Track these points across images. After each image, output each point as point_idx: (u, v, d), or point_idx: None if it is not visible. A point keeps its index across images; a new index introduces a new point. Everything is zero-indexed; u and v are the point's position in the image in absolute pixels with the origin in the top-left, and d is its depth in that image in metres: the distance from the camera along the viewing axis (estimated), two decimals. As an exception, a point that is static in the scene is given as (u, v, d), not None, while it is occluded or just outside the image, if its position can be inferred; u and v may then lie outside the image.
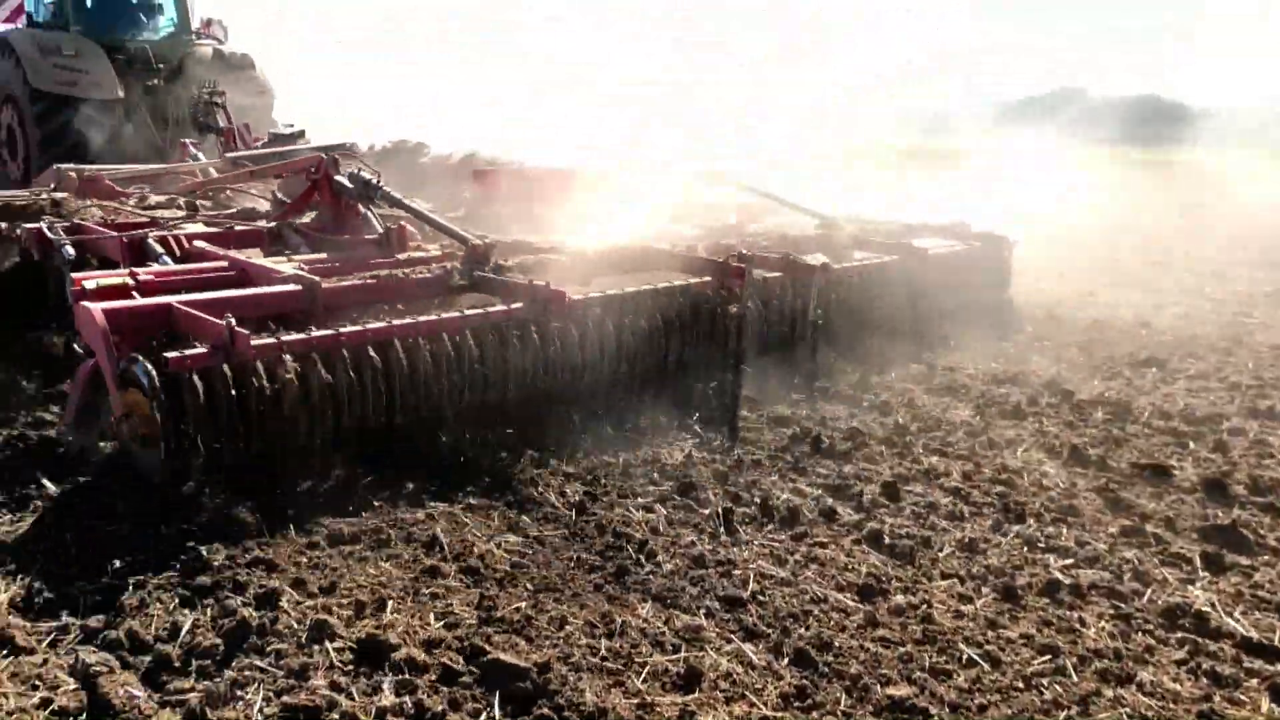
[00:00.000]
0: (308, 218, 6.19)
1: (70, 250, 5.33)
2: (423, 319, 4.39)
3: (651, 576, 3.44)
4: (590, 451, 4.59)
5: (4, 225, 5.99)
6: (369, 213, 5.89)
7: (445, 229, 5.53)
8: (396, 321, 4.30)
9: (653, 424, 4.98)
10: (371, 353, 4.14)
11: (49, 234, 5.53)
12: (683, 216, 7.87)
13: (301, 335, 3.99)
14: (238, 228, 6.11)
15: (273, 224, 6.09)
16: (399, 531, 3.65)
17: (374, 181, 5.68)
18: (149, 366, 3.66)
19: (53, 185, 7.77)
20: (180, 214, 6.70)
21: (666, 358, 5.31)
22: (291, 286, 4.51)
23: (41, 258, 5.58)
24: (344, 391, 4.01)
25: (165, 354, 3.66)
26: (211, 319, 3.84)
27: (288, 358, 3.89)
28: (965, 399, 5.86)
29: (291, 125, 10.58)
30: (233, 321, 3.72)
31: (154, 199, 7.48)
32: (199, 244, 5.54)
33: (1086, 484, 4.57)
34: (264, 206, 6.88)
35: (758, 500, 4.14)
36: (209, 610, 3.04)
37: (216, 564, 3.28)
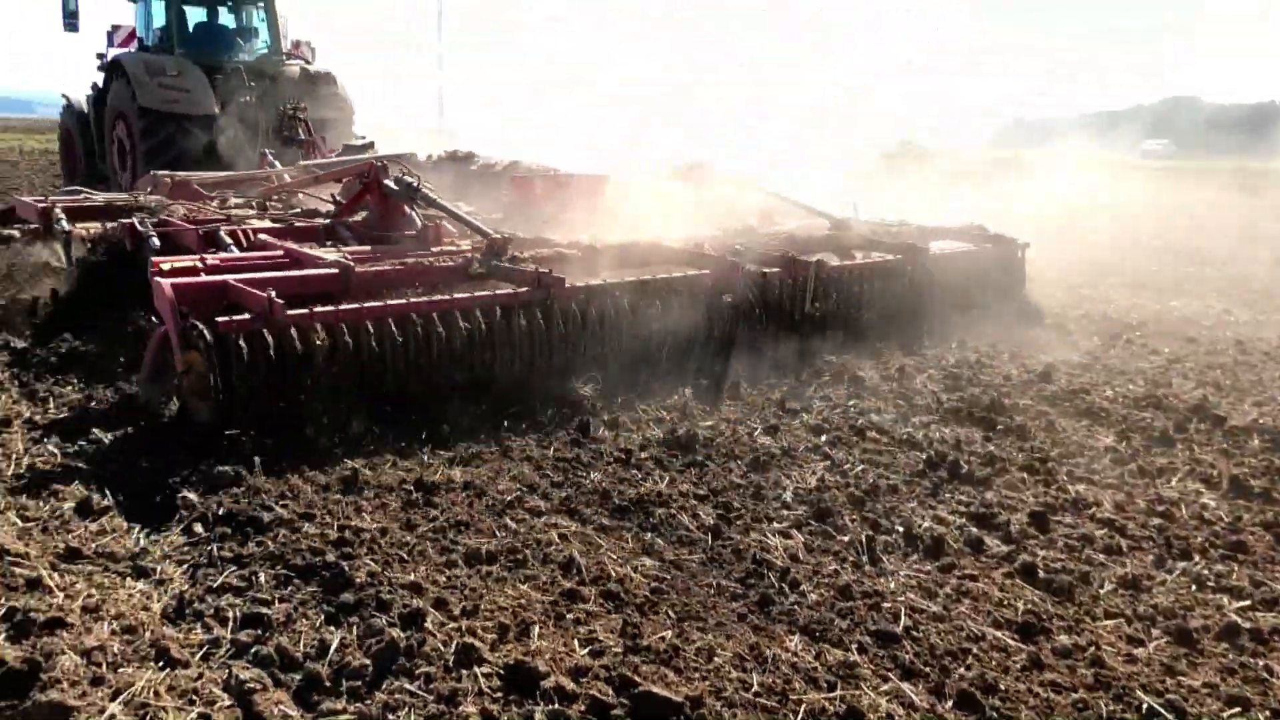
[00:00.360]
0: (361, 216, 6.97)
1: (156, 241, 6.13)
2: (436, 298, 5.07)
3: (797, 607, 3.31)
4: (717, 473, 4.48)
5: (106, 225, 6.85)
6: (412, 212, 6.64)
7: (471, 225, 6.19)
8: (414, 299, 4.95)
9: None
10: (391, 325, 4.75)
11: (139, 227, 6.32)
12: (705, 219, 8.23)
13: (330, 308, 4.68)
14: (298, 224, 7.05)
15: (329, 221, 6.96)
16: (534, 552, 3.59)
17: (415, 185, 6.41)
18: (204, 329, 4.38)
19: (149, 189, 8.66)
20: (251, 213, 7.56)
21: (666, 342, 5.82)
22: (329, 270, 5.21)
23: (133, 248, 6.27)
24: (366, 356, 4.66)
25: (216, 319, 4.37)
26: (256, 292, 4.53)
27: (318, 325, 4.57)
28: (1107, 423, 5.57)
29: (364, 137, 11.47)
30: (272, 294, 4.44)
31: (233, 200, 8.34)
32: (262, 236, 6.42)
33: (1252, 518, 4.27)
34: (327, 208, 7.62)
35: (899, 528, 3.97)
36: (355, 629, 3.02)
37: (359, 581, 3.27)
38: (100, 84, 13.98)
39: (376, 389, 4.74)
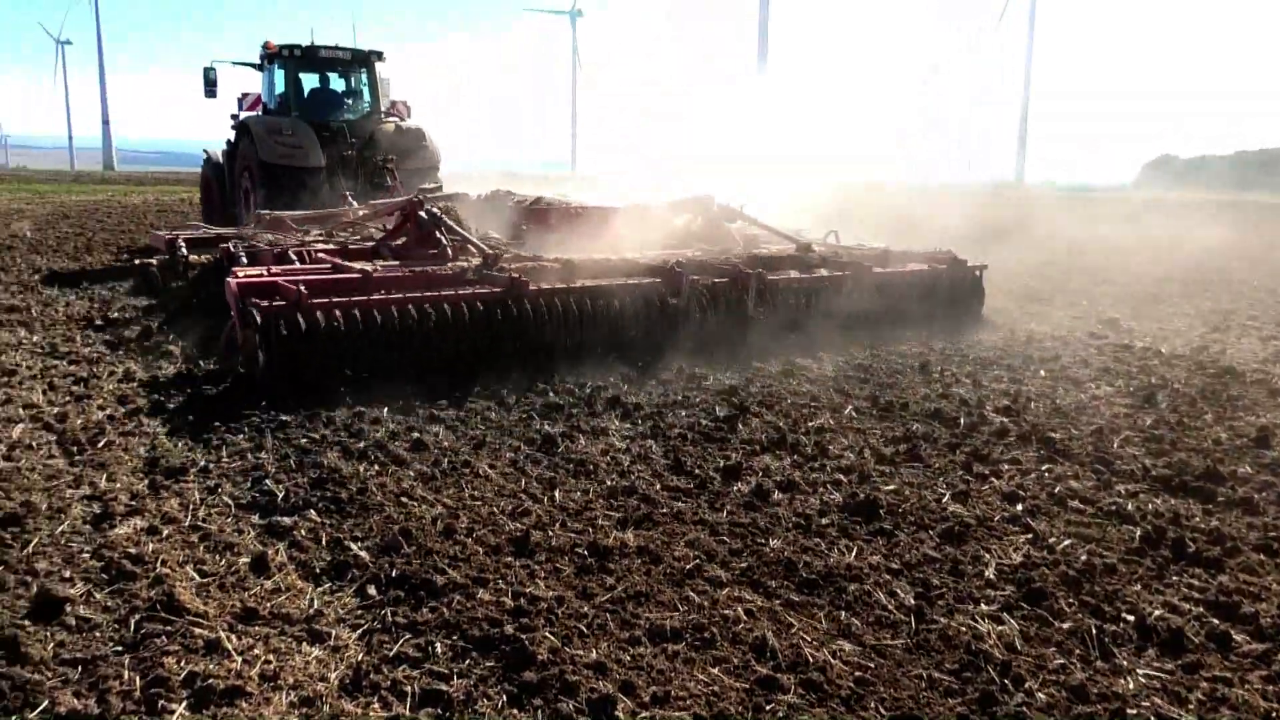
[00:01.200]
0: (401, 241, 8.80)
1: (244, 258, 8.39)
2: (427, 293, 6.86)
3: (1025, 710, 2.91)
4: (910, 544, 4.11)
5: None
6: (440, 236, 8.43)
7: (474, 243, 8.32)
8: (410, 294, 6.78)
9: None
10: (394, 311, 6.53)
11: (230, 249, 8.65)
12: (692, 240, 10.04)
13: (343, 299, 6.48)
14: (352, 246, 8.98)
15: (375, 244, 8.93)
16: (722, 630, 3.31)
17: (439, 216, 8.54)
18: (254, 310, 6.18)
19: (252, 224, 11.36)
20: (320, 240, 9.48)
21: (626, 334, 7.49)
22: (353, 274, 7.10)
23: (227, 265, 8.23)
24: (375, 335, 6.41)
25: (261, 302, 6.25)
26: (291, 285, 6.39)
27: (337, 311, 6.36)
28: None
29: (437, 183, 13.37)
30: (302, 287, 6.32)
31: (314, 232, 10.33)
32: (320, 254, 8.34)
33: None
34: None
35: (1127, 616, 3.51)
36: (540, 713, 2.79)
37: (541, 658, 3.05)
38: (232, 141, 16.40)
39: (378, 360, 6.44)
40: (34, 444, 5.21)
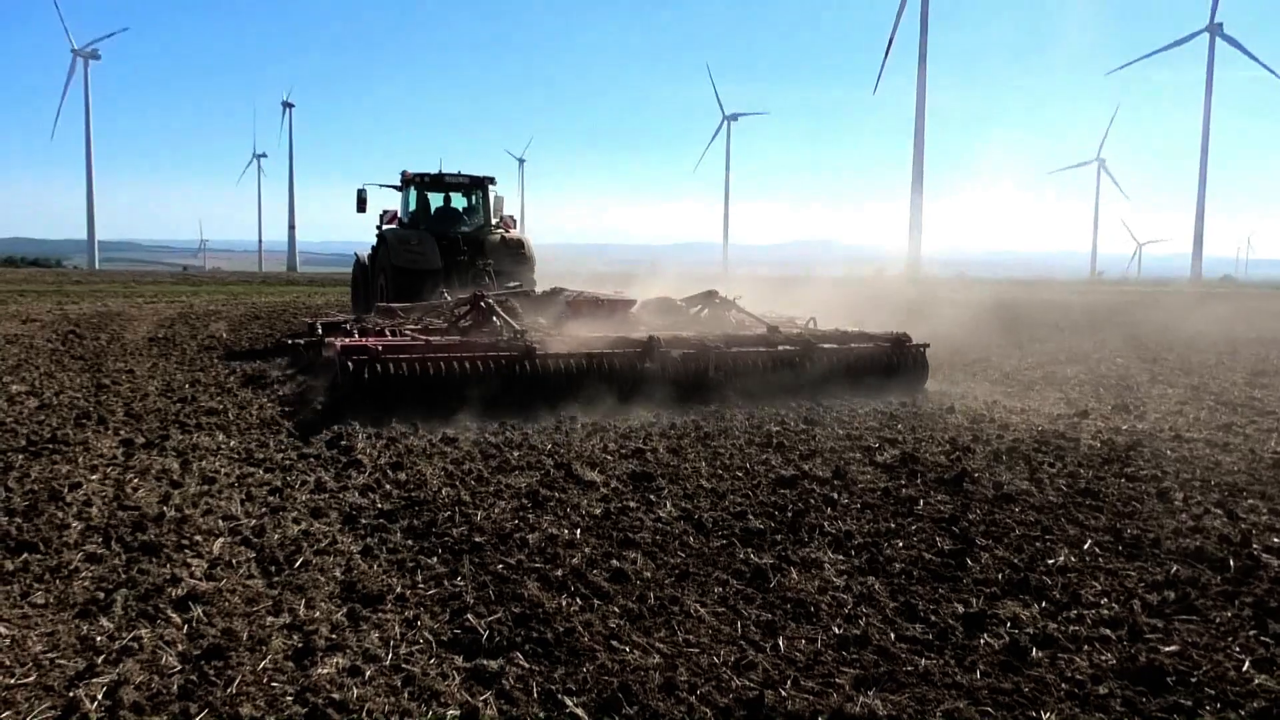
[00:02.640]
0: (469, 322, 12.10)
1: (355, 333, 11.89)
2: (461, 354, 9.72)
3: None
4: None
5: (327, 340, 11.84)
6: (495, 319, 11.55)
7: (509, 323, 11.17)
8: (450, 354, 9.68)
9: None
10: (440, 363, 9.47)
11: (344, 327, 12.99)
12: (698, 324, 12.73)
13: (408, 356, 9.52)
14: (432, 326, 12.26)
15: (447, 324, 12.29)
16: None
17: (493, 305, 11.88)
18: (347, 361, 9.23)
19: (373, 313, 14.66)
20: (411, 323, 12.82)
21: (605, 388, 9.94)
22: (417, 340, 10.43)
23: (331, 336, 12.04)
24: (425, 379, 9.31)
25: (351, 358, 9.31)
26: (371, 345, 9.55)
27: (404, 357, 9.47)
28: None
29: (518, 284, 16.37)
30: (379, 347, 9.53)
31: (414, 316, 13.60)
32: (406, 330, 11.72)
33: None
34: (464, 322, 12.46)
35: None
36: None
37: None
38: (375, 248, 19.80)
39: (430, 397, 9.25)
40: (233, 561, 5.11)
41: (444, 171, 19.64)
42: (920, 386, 11.51)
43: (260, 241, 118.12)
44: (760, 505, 6.30)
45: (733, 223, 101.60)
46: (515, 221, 20.24)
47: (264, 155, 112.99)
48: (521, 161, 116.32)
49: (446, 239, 18.60)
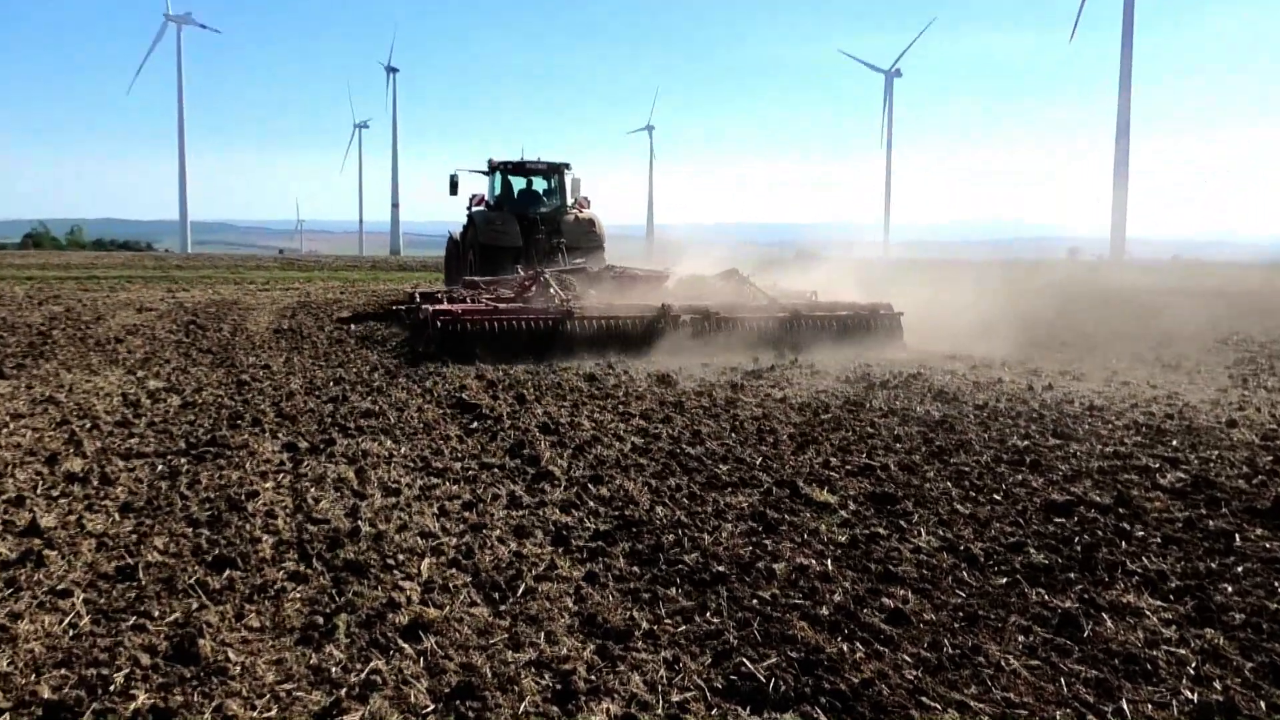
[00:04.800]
0: (533, 292, 17.08)
1: (444, 301, 16.72)
2: (515, 317, 14.74)
3: None
4: None
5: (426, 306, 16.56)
6: (552, 291, 16.19)
7: (558, 293, 16.08)
8: (514, 316, 14.79)
9: None
10: (506, 323, 14.56)
11: (436, 296, 18.66)
12: (721, 295, 17.29)
13: (481, 318, 14.61)
14: (503, 295, 17.21)
15: (515, 295, 17.20)
16: None
17: (548, 279, 16.88)
18: (437, 321, 14.35)
19: (460, 284, 19.56)
20: (489, 293, 17.55)
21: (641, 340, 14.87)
22: (490, 306, 15.87)
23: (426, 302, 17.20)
24: (495, 335, 14.41)
25: (440, 318, 14.43)
26: (455, 310, 14.78)
27: (476, 320, 14.55)
28: None
29: (583, 262, 20.11)
30: (460, 310, 14.83)
31: (494, 288, 18.10)
32: (484, 299, 16.70)
33: None
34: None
35: None
36: None
37: None
38: (464, 226, 24.27)
39: (499, 347, 14.05)
40: (449, 585, 5.20)
41: (525, 159, 24.31)
42: (893, 346, 15.75)
43: (361, 221, 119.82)
44: (1037, 536, 6.06)
45: (894, 198, 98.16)
46: (589, 202, 24.58)
47: (365, 125, 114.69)
48: (650, 129, 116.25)
49: (527, 219, 22.98)
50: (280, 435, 8.75)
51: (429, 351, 14.25)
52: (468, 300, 16.74)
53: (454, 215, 26.28)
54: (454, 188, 24.50)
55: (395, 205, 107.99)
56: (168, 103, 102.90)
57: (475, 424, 9.29)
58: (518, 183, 24.77)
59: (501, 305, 15.78)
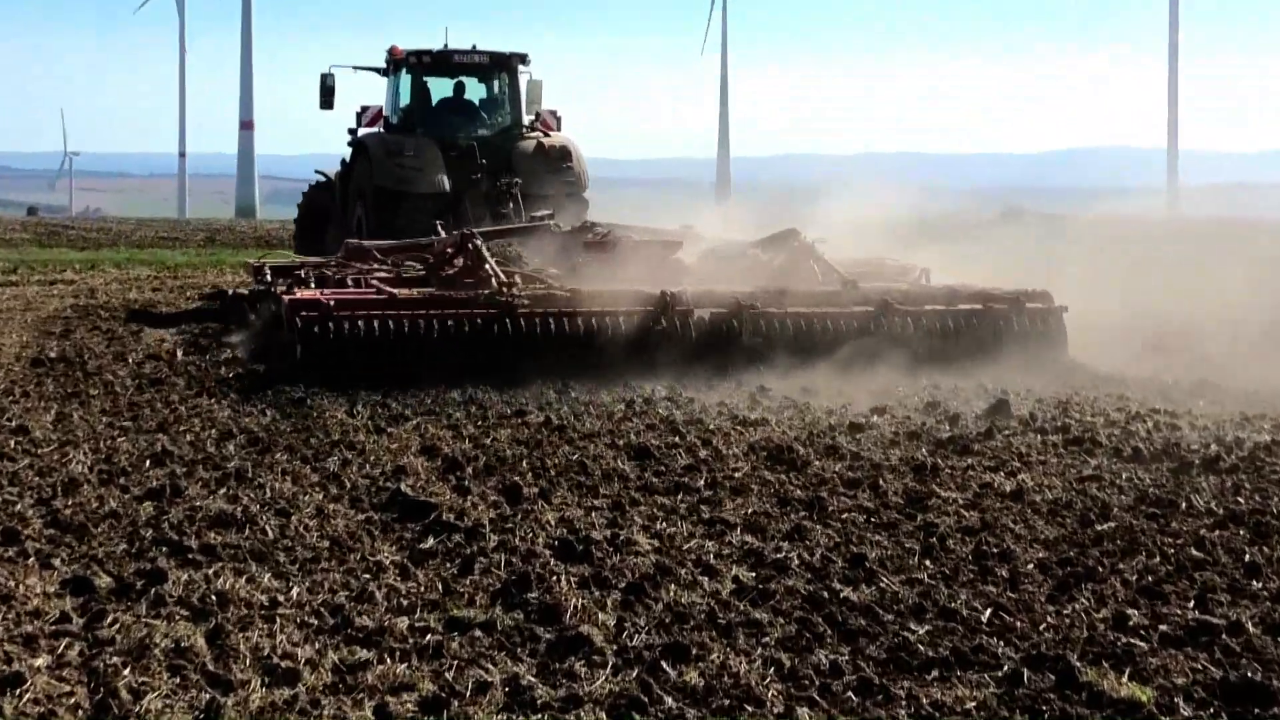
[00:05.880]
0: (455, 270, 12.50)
1: (313, 283, 12.05)
2: (430, 310, 10.48)
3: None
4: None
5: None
6: (488, 268, 11.29)
7: (494, 271, 11.09)
8: (415, 311, 10.43)
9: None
10: (404, 323, 10.23)
11: (288, 267, 14.53)
12: (771, 276, 12.35)
13: (361, 312, 10.30)
14: (405, 275, 12.43)
15: (424, 272, 12.54)
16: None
17: (482, 249, 11.63)
18: (296, 318, 10.25)
19: (341, 253, 14.12)
20: (384, 268, 12.90)
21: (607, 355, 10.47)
22: (374, 295, 11.03)
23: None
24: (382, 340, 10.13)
25: (301, 313, 10.24)
26: (321, 299, 10.39)
27: (362, 314, 10.28)
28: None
29: (548, 214, 14.58)
30: (330, 301, 10.26)
31: (393, 260, 13.31)
32: (374, 280, 11.85)
33: None
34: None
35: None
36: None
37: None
38: (346, 160, 17.96)
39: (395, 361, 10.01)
40: None
41: (451, 48, 17.47)
42: (1055, 357, 11.19)
43: (183, 154, 76.96)
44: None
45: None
46: (558, 119, 18.13)
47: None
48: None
49: (455, 147, 16.82)
50: (58, 564, 5.22)
51: (286, 367, 10.23)
52: (349, 283, 11.92)
53: (334, 146, 18.54)
54: (327, 96, 17.78)
55: (248, 126, 65.86)
56: None
57: (430, 540, 5.55)
58: (439, 87, 17.96)
59: (400, 292, 11.02)
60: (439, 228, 13.88)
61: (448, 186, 16.16)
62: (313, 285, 11.72)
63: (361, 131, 17.61)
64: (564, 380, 9.74)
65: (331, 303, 10.08)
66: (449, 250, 12.49)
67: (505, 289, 10.49)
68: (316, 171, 19.61)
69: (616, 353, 10.15)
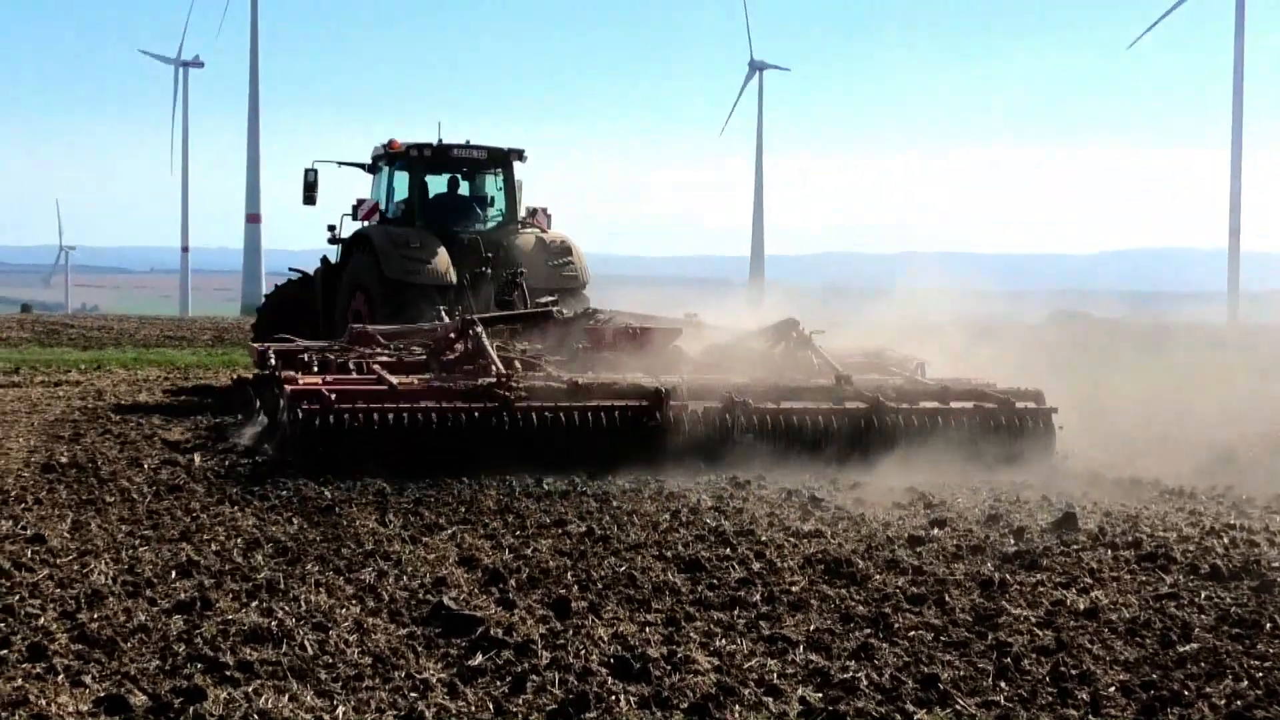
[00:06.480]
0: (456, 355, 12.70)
1: (315, 368, 12.62)
2: (428, 403, 10.63)
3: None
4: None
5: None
6: (488, 353, 11.72)
7: (491, 357, 11.57)
8: (414, 404, 10.62)
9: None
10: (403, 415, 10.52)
11: (292, 352, 13.69)
12: (768, 366, 12.77)
13: (363, 405, 10.63)
14: (407, 359, 12.96)
15: (427, 358, 12.86)
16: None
17: (481, 336, 12.04)
18: (297, 410, 10.54)
19: (346, 338, 14.18)
20: (387, 352, 13.32)
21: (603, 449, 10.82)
22: (377, 386, 11.15)
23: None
24: (376, 429, 10.47)
25: (303, 404, 10.50)
26: (325, 391, 10.59)
27: (362, 407, 10.59)
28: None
29: (555, 300, 15.06)
30: (332, 394, 10.46)
31: (395, 344, 13.83)
32: (375, 366, 12.12)
33: None
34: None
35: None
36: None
37: None
38: (335, 257, 18.04)
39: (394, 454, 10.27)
40: None
41: (448, 142, 17.63)
42: (1045, 457, 11.38)
43: (185, 249, 77.19)
44: None
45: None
46: (549, 216, 18.52)
47: (195, 63, 74.16)
48: (759, 68, 77.04)
49: (456, 241, 17.06)
50: (89, 681, 5.02)
51: (284, 459, 10.67)
52: (351, 369, 12.24)
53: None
54: (310, 191, 17.79)
55: (255, 219, 63.80)
56: None
57: (479, 657, 5.38)
58: (436, 184, 18.19)
59: (399, 380, 11.16)
60: (442, 313, 14.31)
61: (452, 279, 16.40)
62: (315, 369, 12.30)
63: (354, 225, 17.82)
64: (562, 471, 10.17)
65: (333, 395, 10.42)
66: (451, 335, 12.81)
67: (503, 379, 10.82)
68: (291, 269, 19.68)
69: (609, 445, 10.54)
